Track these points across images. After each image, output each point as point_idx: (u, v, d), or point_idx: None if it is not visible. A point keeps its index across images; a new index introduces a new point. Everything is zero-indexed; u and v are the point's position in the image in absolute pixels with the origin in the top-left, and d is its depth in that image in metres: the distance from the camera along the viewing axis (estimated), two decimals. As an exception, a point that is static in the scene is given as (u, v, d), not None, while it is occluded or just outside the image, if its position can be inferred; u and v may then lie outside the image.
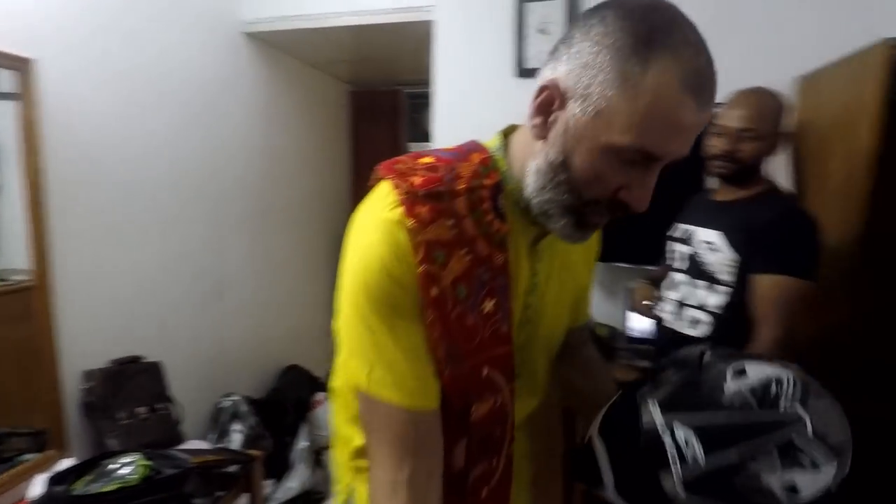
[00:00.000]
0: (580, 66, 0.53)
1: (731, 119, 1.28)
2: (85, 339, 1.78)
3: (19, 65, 1.54)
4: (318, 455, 2.61)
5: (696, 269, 1.35)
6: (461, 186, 0.59)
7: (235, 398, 2.30)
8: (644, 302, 1.55)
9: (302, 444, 2.41)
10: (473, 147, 0.65)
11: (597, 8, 0.54)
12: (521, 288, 0.65)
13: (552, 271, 0.71)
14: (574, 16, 2.06)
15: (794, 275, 1.21)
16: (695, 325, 1.34)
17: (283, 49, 2.85)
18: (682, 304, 1.38)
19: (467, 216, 0.59)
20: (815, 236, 1.25)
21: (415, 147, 3.91)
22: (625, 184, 0.56)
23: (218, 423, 2.26)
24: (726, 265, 1.28)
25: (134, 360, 1.93)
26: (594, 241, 0.84)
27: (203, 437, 2.23)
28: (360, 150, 3.85)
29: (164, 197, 2.10)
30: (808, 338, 1.66)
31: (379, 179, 0.62)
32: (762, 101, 1.28)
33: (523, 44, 2.11)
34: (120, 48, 1.87)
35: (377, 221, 0.58)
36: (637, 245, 1.95)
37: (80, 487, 1.40)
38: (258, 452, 1.86)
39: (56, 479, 1.43)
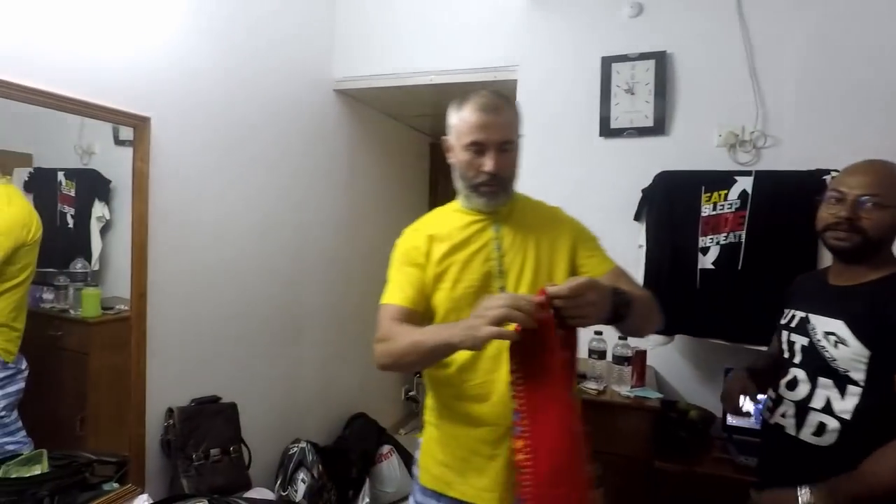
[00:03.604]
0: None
1: (851, 185, 1.13)
2: (170, 375, 1.87)
3: (138, 122, 1.70)
4: (381, 515, 2.54)
5: (818, 365, 1.15)
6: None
7: (303, 445, 2.31)
8: (738, 397, 1.34)
9: (364, 501, 2.36)
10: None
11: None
12: (490, 253, 1.11)
13: (513, 243, 1.12)
14: (663, 74, 2.00)
15: None
16: (820, 432, 1.13)
17: (369, 103, 2.99)
18: (802, 407, 1.17)
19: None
20: None
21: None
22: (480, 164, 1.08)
23: (284, 469, 2.27)
24: (856, 361, 1.09)
25: (213, 401, 2.00)
26: (553, 218, 1.19)
27: (270, 483, 2.25)
28: (437, 200, 3.91)
29: (252, 243, 2.22)
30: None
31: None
32: (887, 169, 1.13)
33: (609, 103, 2.06)
34: (222, 107, 2.03)
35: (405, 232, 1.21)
36: (737, 322, 1.81)
37: (152, 531, 1.43)
38: (320, 508, 1.83)
39: (132, 519, 1.48)
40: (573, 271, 1.12)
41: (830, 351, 1.13)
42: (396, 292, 1.10)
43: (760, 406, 1.79)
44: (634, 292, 1.00)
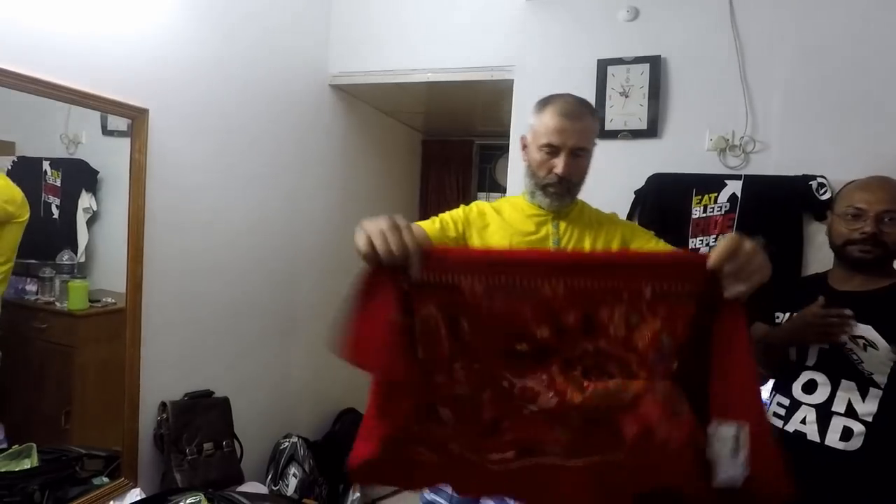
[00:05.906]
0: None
1: (870, 201, 1.18)
2: (164, 369, 1.86)
3: (136, 114, 1.68)
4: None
5: (842, 368, 1.18)
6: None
7: (294, 439, 2.32)
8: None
9: (354, 496, 2.37)
10: None
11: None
12: (547, 248, 1.17)
13: (570, 240, 1.18)
14: (657, 78, 2.04)
15: None
16: (847, 437, 1.16)
17: (364, 99, 2.99)
18: (825, 412, 1.19)
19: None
20: None
21: (482, 196, 4.00)
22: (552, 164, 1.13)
23: (276, 463, 2.27)
24: (883, 364, 1.13)
25: (207, 395, 1.99)
26: (608, 222, 1.25)
27: (261, 477, 2.25)
28: (429, 196, 3.93)
29: (245, 237, 2.20)
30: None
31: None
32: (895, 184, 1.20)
33: (603, 105, 2.09)
34: (218, 100, 2.01)
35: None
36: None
37: (148, 525, 1.43)
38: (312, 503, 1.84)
39: (126, 513, 1.48)
40: None
41: (859, 354, 1.16)
42: (426, 224, 1.13)
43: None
44: None
